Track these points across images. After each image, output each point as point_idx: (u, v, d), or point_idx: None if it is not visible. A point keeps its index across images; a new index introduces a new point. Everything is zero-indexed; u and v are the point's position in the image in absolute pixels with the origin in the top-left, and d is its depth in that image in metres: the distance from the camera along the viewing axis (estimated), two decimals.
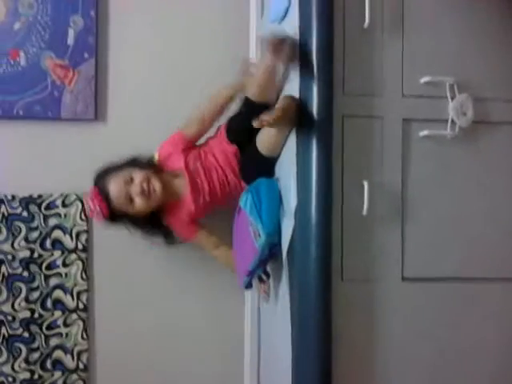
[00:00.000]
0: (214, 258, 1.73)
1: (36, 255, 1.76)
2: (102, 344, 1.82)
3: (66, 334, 1.77)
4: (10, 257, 1.74)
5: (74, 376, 1.77)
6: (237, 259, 1.57)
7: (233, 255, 1.62)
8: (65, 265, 1.77)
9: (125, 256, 1.83)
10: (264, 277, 1.54)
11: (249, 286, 1.54)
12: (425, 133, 1.39)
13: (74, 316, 1.78)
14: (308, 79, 1.31)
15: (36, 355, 1.75)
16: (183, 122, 1.67)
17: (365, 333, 1.35)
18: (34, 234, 1.76)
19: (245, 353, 1.87)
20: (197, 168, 1.63)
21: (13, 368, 1.73)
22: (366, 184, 1.31)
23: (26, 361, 1.74)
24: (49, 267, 1.76)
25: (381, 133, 1.38)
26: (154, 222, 1.65)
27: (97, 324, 1.82)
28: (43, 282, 1.76)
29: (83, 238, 1.78)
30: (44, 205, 1.76)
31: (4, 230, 1.74)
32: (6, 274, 1.74)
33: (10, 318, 1.74)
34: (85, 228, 1.78)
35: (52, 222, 1.77)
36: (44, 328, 1.76)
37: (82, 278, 1.78)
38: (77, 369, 1.77)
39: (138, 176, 1.57)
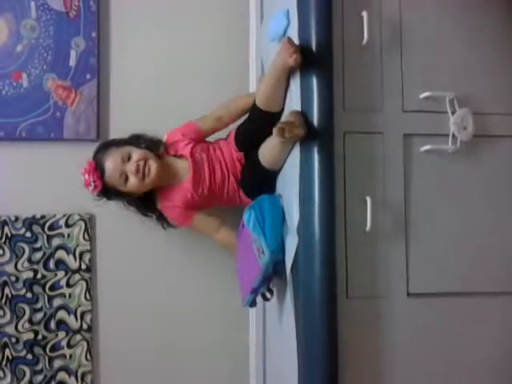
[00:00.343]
0: (213, 261, 1.75)
1: (39, 276, 1.75)
2: (107, 366, 1.81)
3: (70, 356, 1.76)
4: (13, 278, 1.74)
5: None
6: (240, 276, 1.57)
7: (235, 235, 1.60)
8: (68, 285, 1.77)
9: (128, 276, 1.83)
10: (268, 294, 1.53)
11: (253, 304, 1.53)
12: (426, 147, 1.40)
13: (78, 337, 1.77)
14: (309, 96, 1.32)
15: (40, 377, 1.74)
16: None
17: (371, 350, 1.34)
18: (38, 255, 1.76)
19: (250, 370, 1.86)
20: (202, 159, 1.63)
21: None
22: (368, 200, 1.31)
23: (30, 383, 1.73)
24: (52, 288, 1.76)
25: (382, 148, 1.38)
26: (147, 203, 1.66)
27: (101, 345, 1.81)
28: (47, 303, 1.75)
29: (87, 258, 1.78)
30: (47, 225, 1.76)
31: (7, 251, 1.74)
32: (10, 295, 1.73)
33: (13, 339, 1.73)
34: (88, 248, 1.78)
35: (55, 242, 1.77)
36: (48, 350, 1.75)
37: (85, 298, 1.77)
38: None
39: (136, 155, 1.57)
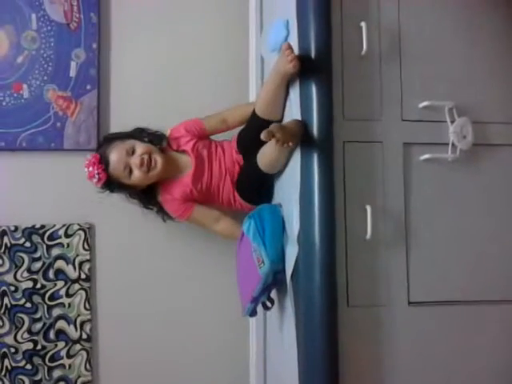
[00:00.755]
0: (213, 271, 1.75)
1: (39, 286, 1.75)
2: (107, 376, 1.80)
3: (69, 366, 1.75)
4: (12, 288, 1.73)
5: None
6: (240, 286, 1.56)
7: (236, 224, 1.62)
8: (68, 295, 1.76)
9: (128, 286, 1.82)
10: (268, 303, 1.53)
11: (253, 313, 1.53)
12: (426, 156, 1.40)
13: (78, 347, 1.76)
14: (308, 106, 1.32)
15: None
16: None
17: (372, 358, 1.34)
18: (37, 265, 1.75)
19: (250, 378, 1.85)
20: (203, 155, 1.65)
21: None
22: (368, 208, 1.32)
23: None
24: (52, 298, 1.75)
25: (382, 157, 1.39)
26: (148, 196, 1.67)
27: (101, 355, 1.80)
28: (46, 313, 1.75)
29: (86, 267, 1.78)
30: (47, 235, 1.76)
31: (7, 261, 1.74)
32: (9, 305, 1.73)
33: (12, 349, 1.72)
34: (87, 258, 1.78)
35: (55, 252, 1.76)
36: (47, 360, 1.74)
37: (85, 307, 1.77)
38: None
39: (141, 148, 1.59)
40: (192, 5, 1.91)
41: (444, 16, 1.46)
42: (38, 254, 1.76)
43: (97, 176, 1.57)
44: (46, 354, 1.74)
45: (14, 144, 1.76)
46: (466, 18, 1.47)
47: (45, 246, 1.76)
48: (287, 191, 1.45)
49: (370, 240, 1.32)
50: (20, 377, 1.72)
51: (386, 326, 1.35)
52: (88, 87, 1.80)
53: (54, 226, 1.77)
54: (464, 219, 1.42)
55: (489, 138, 1.44)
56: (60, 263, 1.76)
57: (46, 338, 1.74)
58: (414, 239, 1.39)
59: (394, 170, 1.39)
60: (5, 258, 1.74)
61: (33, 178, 1.80)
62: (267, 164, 1.48)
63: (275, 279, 1.45)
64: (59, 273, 1.76)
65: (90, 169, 1.57)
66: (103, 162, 1.58)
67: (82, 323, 1.76)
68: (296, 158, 1.37)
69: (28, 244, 1.75)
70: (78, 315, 1.77)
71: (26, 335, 1.73)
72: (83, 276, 1.77)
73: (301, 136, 1.32)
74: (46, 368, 1.74)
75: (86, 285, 1.78)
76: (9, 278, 1.74)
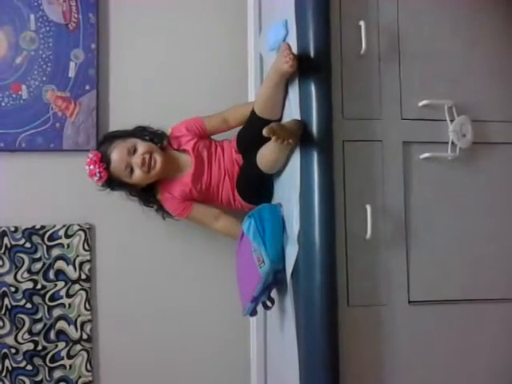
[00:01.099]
0: (214, 271, 1.76)
1: (39, 286, 1.75)
2: (108, 376, 1.80)
3: (70, 366, 1.75)
4: (13, 288, 1.73)
5: None
6: (240, 285, 1.57)
7: (236, 222, 1.62)
8: (68, 295, 1.76)
9: (128, 286, 1.82)
10: (269, 303, 1.53)
11: (253, 313, 1.53)
12: (425, 155, 1.40)
13: (78, 347, 1.76)
14: (307, 105, 1.32)
15: None
16: None
17: (372, 357, 1.34)
18: (37, 265, 1.75)
19: (251, 376, 1.85)
20: (203, 155, 1.65)
21: None
22: (368, 208, 1.32)
23: None
24: (52, 298, 1.75)
25: (381, 156, 1.39)
26: (148, 194, 1.67)
27: (101, 355, 1.80)
28: (46, 314, 1.75)
29: (86, 268, 1.78)
30: (47, 236, 1.76)
31: (7, 262, 1.74)
32: (9, 305, 1.73)
33: (13, 350, 1.72)
34: (88, 258, 1.78)
35: (55, 252, 1.76)
36: (48, 360, 1.74)
37: (85, 308, 1.77)
38: None
39: (142, 147, 1.59)
40: (191, 4, 1.91)
41: (443, 15, 1.46)
42: (38, 255, 1.76)
43: (98, 174, 1.57)
44: (46, 354, 1.74)
45: (13, 145, 1.76)
46: (464, 16, 1.47)
47: (45, 247, 1.76)
48: (287, 191, 1.45)
49: (370, 239, 1.32)
50: (21, 377, 1.72)
51: (386, 325, 1.35)
52: (87, 87, 1.80)
53: (54, 226, 1.77)
54: (464, 218, 1.42)
55: (488, 137, 1.44)
56: (60, 264, 1.76)
57: (46, 338, 1.74)
58: (413, 238, 1.39)
59: (393, 169, 1.39)
60: (5, 258, 1.74)
61: (32, 179, 1.80)
62: (267, 164, 1.48)
63: (275, 279, 1.45)
64: (59, 273, 1.76)
65: (91, 167, 1.57)
66: (104, 160, 1.58)
67: (83, 324, 1.76)
68: (296, 158, 1.37)
69: (28, 245, 1.75)
70: (79, 316, 1.77)
71: (26, 336, 1.73)
72: (83, 276, 1.77)
73: (300, 135, 1.32)
74: (46, 368, 1.74)
75: (86, 285, 1.78)
76: (9, 278, 1.73)
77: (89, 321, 1.77)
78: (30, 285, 1.74)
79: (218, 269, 1.84)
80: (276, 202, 1.57)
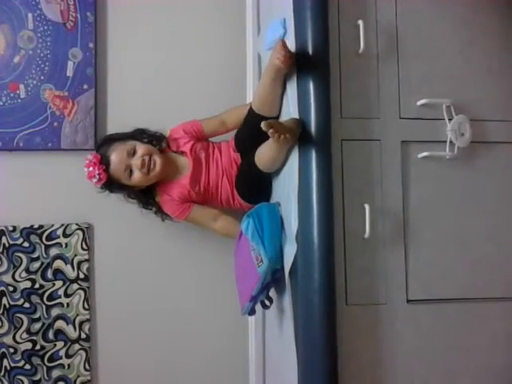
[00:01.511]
0: (212, 271, 1.76)
1: (37, 286, 1.75)
2: (106, 376, 1.80)
3: (68, 366, 1.75)
4: (11, 288, 1.73)
5: None
6: (238, 285, 1.57)
7: (234, 222, 1.63)
8: (66, 295, 1.76)
9: (127, 285, 1.82)
10: (267, 302, 1.53)
11: (251, 312, 1.53)
12: (424, 154, 1.40)
13: (77, 346, 1.76)
14: (306, 104, 1.32)
15: None
16: None
17: (371, 356, 1.34)
18: (35, 265, 1.75)
19: (250, 376, 1.85)
20: (201, 157, 1.66)
21: None
22: (367, 207, 1.32)
23: None
24: (50, 298, 1.75)
25: (380, 155, 1.39)
26: (147, 196, 1.68)
27: (99, 354, 1.80)
28: (45, 313, 1.75)
29: (84, 267, 1.78)
30: (45, 235, 1.76)
31: (5, 261, 1.73)
32: (7, 305, 1.73)
33: (11, 350, 1.72)
34: (86, 257, 1.78)
35: (53, 252, 1.76)
36: (46, 360, 1.74)
37: (83, 307, 1.77)
38: None
39: (141, 149, 1.60)
40: (189, 4, 1.91)
41: (441, 14, 1.45)
42: (36, 254, 1.75)
43: (97, 176, 1.57)
44: (44, 353, 1.74)
45: (11, 144, 1.76)
46: (463, 16, 1.47)
47: (43, 246, 1.76)
48: (285, 190, 1.45)
49: (369, 238, 1.32)
50: (19, 377, 1.72)
51: (385, 324, 1.35)
52: (85, 87, 1.80)
53: (53, 225, 1.77)
54: (462, 217, 1.42)
55: (487, 136, 1.45)
56: (58, 263, 1.76)
57: (44, 337, 1.74)
58: (412, 237, 1.39)
59: (391, 168, 1.39)
60: (3, 258, 1.73)
61: (30, 178, 1.79)
62: (265, 163, 1.48)
63: (274, 278, 1.45)
64: (58, 273, 1.76)
65: (91, 169, 1.57)
66: (104, 162, 1.58)
67: (81, 323, 1.76)
68: (294, 157, 1.37)
69: (26, 244, 1.75)
70: (77, 315, 1.76)
71: (24, 335, 1.73)
72: (82, 276, 1.77)
73: (298, 133, 1.32)
74: (44, 368, 1.74)
75: (84, 284, 1.77)
76: (7, 278, 1.73)
77: (87, 320, 1.77)
78: (28, 284, 1.74)
79: (217, 268, 1.85)
80: (274, 201, 1.57)
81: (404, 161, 1.41)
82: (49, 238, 1.76)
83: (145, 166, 1.58)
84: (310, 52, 1.32)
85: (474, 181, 1.44)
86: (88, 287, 1.78)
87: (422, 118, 1.42)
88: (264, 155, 1.46)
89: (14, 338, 1.72)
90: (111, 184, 1.61)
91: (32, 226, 1.76)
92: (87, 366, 1.76)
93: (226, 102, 1.75)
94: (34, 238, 1.75)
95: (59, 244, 1.77)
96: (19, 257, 1.74)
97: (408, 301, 1.37)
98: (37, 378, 1.73)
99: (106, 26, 1.86)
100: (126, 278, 1.82)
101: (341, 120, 1.38)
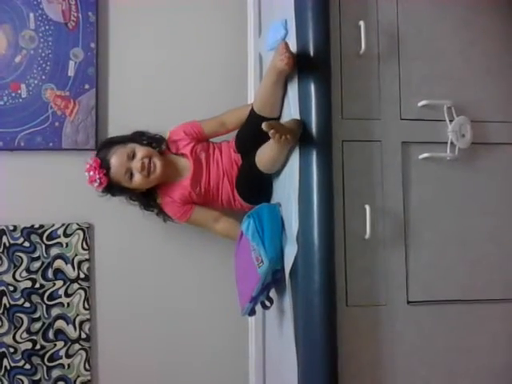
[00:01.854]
0: (213, 271, 1.76)
1: (38, 285, 1.75)
2: (107, 375, 1.80)
3: (69, 365, 1.75)
4: (11, 288, 1.73)
5: None
6: (239, 285, 1.56)
7: (235, 224, 1.63)
8: (67, 294, 1.76)
9: (127, 285, 1.82)
10: (267, 302, 1.53)
11: (251, 313, 1.53)
12: (424, 155, 1.40)
13: (77, 346, 1.76)
14: (307, 105, 1.32)
15: None
16: None
17: (371, 358, 1.34)
18: (36, 264, 1.75)
19: (250, 377, 1.85)
20: (201, 158, 1.66)
21: None
22: (367, 208, 1.32)
23: None
24: (51, 297, 1.75)
25: (380, 156, 1.39)
26: (148, 198, 1.68)
27: (100, 354, 1.80)
28: (45, 313, 1.75)
29: (85, 267, 1.78)
30: (45, 235, 1.76)
31: (5, 261, 1.73)
32: (8, 305, 1.73)
33: (11, 349, 1.72)
34: (86, 257, 1.78)
35: (54, 251, 1.76)
36: (46, 359, 1.74)
37: (84, 307, 1.77)
38: None
39: (141, 152, 1.60)
40: (190, 5, 1.91)
41: (442, 14, 1.45)
42: (36, 254, 1.75)
43: (98, 181, 1.57)
44: (44, 353, 1.74)
45: (12, 144, 1.76)
46: (464, 16, 1.47)
47: (44, 246, 1.76)
48: (286, 191, 1.45)
49: (369, 239, 1.32)
50: (19, 377, 1.72)
51: (385, 325, 1.35)
52: (86, 86, 1.80)
53: (53, 225, 1.77)
54: (463, 218, 1.42)
55: (487, 137, 1.44)
56: (59, 263, 1.76)
57: (44, 337, 1.74)
58: (412, 238, 1.39)
59: (392, 169, 1.39)
60: (4, 257, 1.73)
61: (31, 178, 1.79)
62: (266, 163, 1.48)
63: (274, 278, 1.45)
64: (58, 272, 1.76)
65: (91, 173, 1.57)
66: (104, 166, 1.58)
67: (81, 323, 1.76)
68: (295, 158, 1.37)
69: (27, 244, 1.75)
70: (77, 315, 1.76)
71: (24, 335, 1.73)
72: (82, 275, 1.77)
73: (299, 134, 1.32)
74: (44, 368, 1.74)
75: (84, 284, 1.77)
76: (7, 277, 1.73)
77: (87, 320, 1.77)
78: (28, 284, 1.74)
79: (217, 268, 1.84)
80: (275, 201, 1.57)
81: (405, 162, 1.40)
82: (49, 237, 1.76)
83: (145, 168, 1.58)
84: (311, 52, 1.32)
85: (474, 182, 1.44)
86: (88, 287, 1.78)
87: (423, 119, 1.42)
88: (265, 156, 1.46)
89: (14, 337, 1.72)
90: (112, 187, 1.61)
91: (33, 226, 1.76)
92: (87, 366, 1.76)
93: (227, 101, 1.76)
94: (34, 238, 1.75)
95: (60, 244, 1.77)
96: (20, 256, 1.74)
97: (408, 302, 1.37)
98: (37, 377, 1.73)
99: (108, 26, 1.86)
100: (126, 278, 1.82)
101: (342, 121, 1.38)
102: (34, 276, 1.75)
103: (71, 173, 1.77)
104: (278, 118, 1.50)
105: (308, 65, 1.33)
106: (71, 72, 1.79)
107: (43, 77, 1.78)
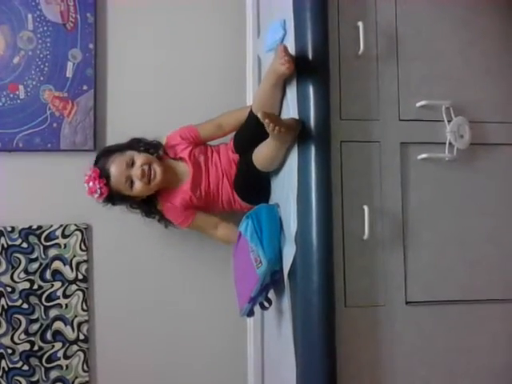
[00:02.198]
0: (211, 272, 1.76)
1: (36, 287, 1.74)
2: (104, 377, 1.80)
3: (67, 367, 1.75)
4: (9, 289, 1.73)
5: None
6: (237, 286, 1.56)
7: (236, 229, 1.61)
8: (65, 296, 1.76)
9: (125, 286, 1.82)
10: (266, 303, 1.53)
11: (250, 313, 1.53)
12: (423, 156, 1.40)
13: (75, 348, 1.76)
14: (305, 106, 1.32)
15: None
16: None
17: (370, 358, 1.34)
18: (34, 266, 1.75)
19: (248, 377, 1.85)
20: (200, 162, 1.65)
21: None
22: (366, 208, 1.32)
23: None
24: (49, 298, 1.75)
25: (379, 157, 1.39)
26: (149, 205, 1.67)
27: (98, 356, 1.80)
28: (43, 314, 1.74)
29: (83, 268, 1.77)
30: (44, 236, 1.76)
31: (3, 262, 1.73)
32: (6, 306, 1.72)
33: (9, 351, 1.72)
34: (85, 258, 1.78)
35: (52, 252, 1.76)
36: (44, 361, 1.73)
37: (82, 308, 1.77)
38: None
39: (140, 159, 1.59)
40: (189, 6, 1.91)
41: (441, 15, 1.46)
42: (34, 255, 1.75)
43: (98, 191, 1.56)
44: (43, 354, 1.74)
45: (10, 145, 1.76)
46: (463, 16, 1.47)
47: (42, 247, 1.75)
48: (285, 191, 1.45)
49: (368, 240, 1.32)
50: (17, 378, 1.72)
51: (384, 325, 1.35)
52: (84, 88, 1.80)
53: (51, 226, 1.77)
54: (461, 218, 1.42)
55: (486, 138, 1.45)
56: (57, 264, 1.76)
57: (43, 338, 1.74)
58: (411, 238, 1.39)
59: (391, 170, 1.39)
60: (2, 258, 1.73)
61: (29, 179, 1.79)
62: (263, 162, 1.48)
63: (273, 279, 1.45)
64: (56, 273, 1.76)
65: (91, 184, 1.57)
66: (103, 175, 1.57)
67: (79, 324, 1.76)
68: (293, 158, 1.36)
69: (25, 245, 1.75)
70: (75, 316, 1.76)
71: (22, 336, 1.73)
72: (80, 277, 1.77)
73: (297, 132, 1.32)
74: (43, 369, 1.73)
75: (83, 285, 1.77)
76: (5, 279, 1.73)
77: (85, 321, 1.77)
78: (26, 285, 1.74)
79: (216, 269, 1.84)
80: (273, 202, 1.57)
81: (403, 162, 1.40)
82: (47, 238, 1.76)
83: (145, 175, 1.57)
84: (310, 53, 1.32)
85: (473, 182, 1.44)
86: (87, 288, 1.78)
87: (422, 120, 1.42)
88: (262, 154, 1.46)
89: (12, 338, 1.72)
90: (113, 197, 1.60)
91: (31, 227, 1.76)
92: (85, 367, 1.76)
93: (225, 103, 1.75)
94: (32, 239, 1.75)
95: (58, 245, 1.76)
96: (18, 257, 1.74)
97: (407, 302, 1.37)
98: (35, 378, 1.73)
99: (106, 27, 1.86)
100: (124, 279, 1.82)
101: (340, 121, 1.38)
102: (32, 277, 1.74)
103: (69, 174, 1.77)
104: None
105: (306, 66, 1.33)
106: (69, 73, 1.79)
107: (41, 78, 1.78)
